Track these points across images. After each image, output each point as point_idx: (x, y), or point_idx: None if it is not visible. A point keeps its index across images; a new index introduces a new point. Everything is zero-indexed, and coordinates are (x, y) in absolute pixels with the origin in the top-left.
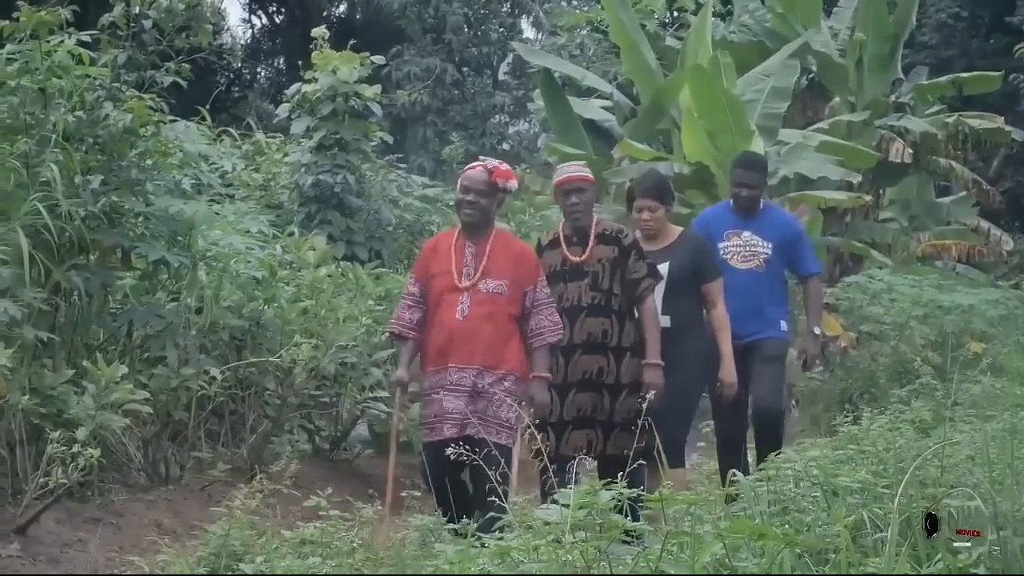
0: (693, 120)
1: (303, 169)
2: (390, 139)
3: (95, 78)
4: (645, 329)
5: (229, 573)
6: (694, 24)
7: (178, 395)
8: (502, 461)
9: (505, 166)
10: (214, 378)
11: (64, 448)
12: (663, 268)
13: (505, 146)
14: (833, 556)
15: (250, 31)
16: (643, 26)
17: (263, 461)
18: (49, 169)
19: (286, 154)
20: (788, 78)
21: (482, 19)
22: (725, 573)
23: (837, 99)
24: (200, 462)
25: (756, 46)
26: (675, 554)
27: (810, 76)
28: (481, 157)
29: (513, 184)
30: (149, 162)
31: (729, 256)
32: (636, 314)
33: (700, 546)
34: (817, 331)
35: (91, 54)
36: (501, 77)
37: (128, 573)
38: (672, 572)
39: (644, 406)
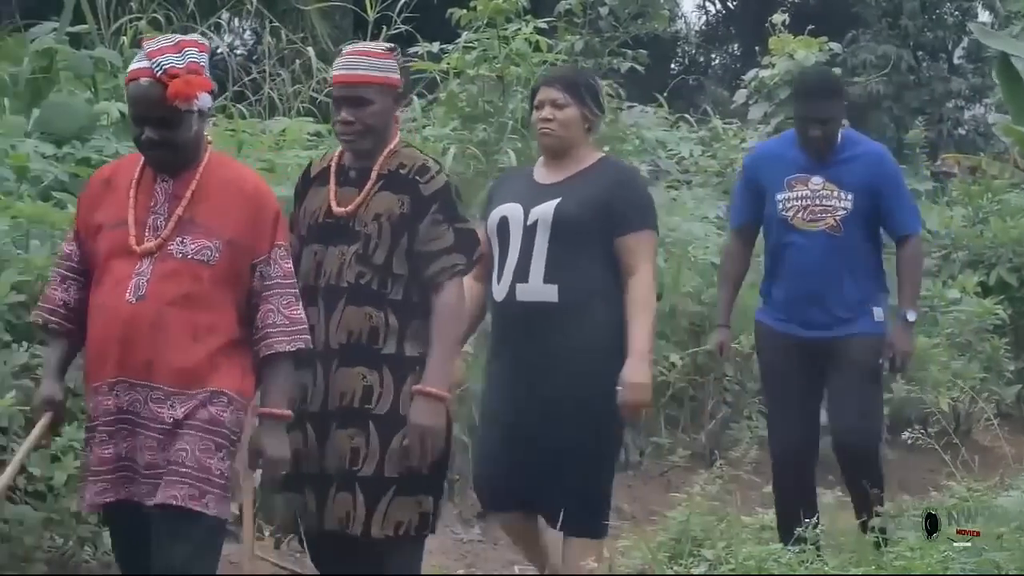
0: None
1: None
2: (847, 124)
3: (553, 65)
4: (435, 336)
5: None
6: None
7: None
8: (210, 540)
9: (189, 60)
10: (673, 364)
11: None
12: (548, 208)
13: (961, 131)
14: None
15: (704, 17)
16: None
17: (722, 447)
18: (507, 156)
19: (743, 140)
20: None
21: (937, 3)
22: None
23: None
24: (659, 448)
25: None
26: None
27: None
28: (144, 49)
29: (203, 101)
30: (606, 148)
31: (791, 213)
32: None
33: None
34: (912, 317)
35: (548, 41)
36: (956, 62)
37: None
38: None
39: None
